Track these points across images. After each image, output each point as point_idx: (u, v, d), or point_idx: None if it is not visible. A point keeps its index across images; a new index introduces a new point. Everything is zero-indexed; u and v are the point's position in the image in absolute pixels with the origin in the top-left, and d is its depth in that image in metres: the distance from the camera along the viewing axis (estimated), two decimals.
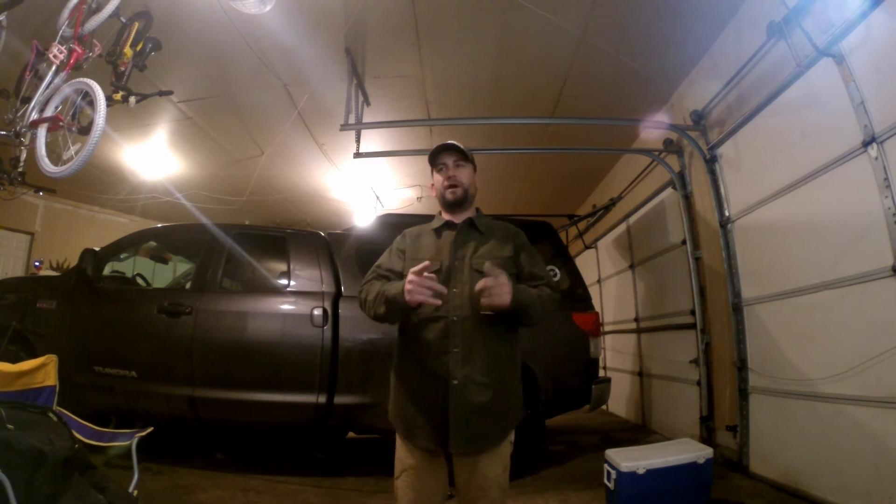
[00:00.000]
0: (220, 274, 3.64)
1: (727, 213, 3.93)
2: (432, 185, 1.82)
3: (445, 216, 1.76)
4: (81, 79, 2.81)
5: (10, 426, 1.71)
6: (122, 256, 4.09)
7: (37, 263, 7.33)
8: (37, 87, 3.01)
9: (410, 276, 1.44)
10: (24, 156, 3.22)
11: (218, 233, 3.76)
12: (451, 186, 1.71)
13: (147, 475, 2.99)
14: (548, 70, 4.49)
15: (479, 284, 1.45)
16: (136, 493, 2.00)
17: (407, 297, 1.44)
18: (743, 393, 3.63)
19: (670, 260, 4.93)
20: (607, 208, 6.40)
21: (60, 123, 2.79)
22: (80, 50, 2.90)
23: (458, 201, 1.71)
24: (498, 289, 1.43)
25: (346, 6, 3.73)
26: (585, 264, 6.81)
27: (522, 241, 1.75)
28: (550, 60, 4.34)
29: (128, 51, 3.00)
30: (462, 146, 1.74)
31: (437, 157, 1.76)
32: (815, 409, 2.92)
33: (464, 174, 1.73)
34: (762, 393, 3.47)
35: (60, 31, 2.96)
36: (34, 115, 2.95)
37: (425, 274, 1.44)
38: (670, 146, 4.71)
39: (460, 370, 1.53)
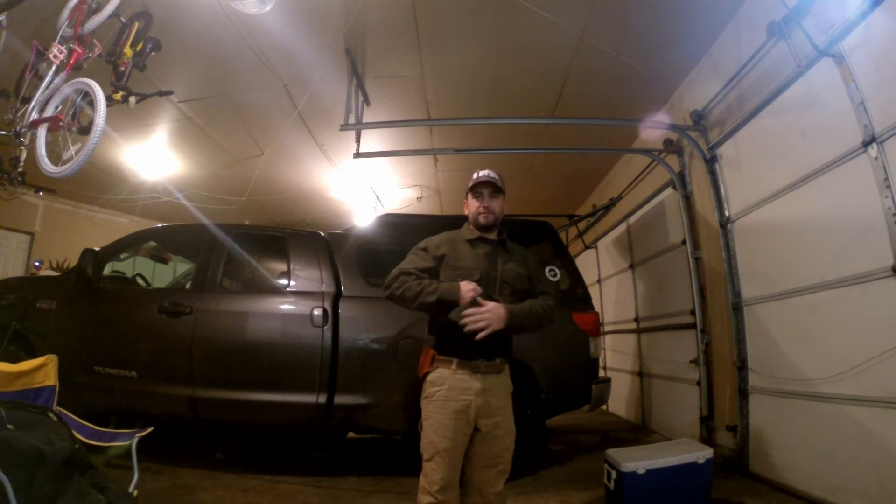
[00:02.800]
0: (220, 274, 3.64)
1: (727, 213, 3.93)
2: (465, 202, 2.14)
3: (475, 232, 2.08)
4: (81, 79, 2.81)
5: (10, 426, 1.70)
6: (122, 256, 4.09)
7: (37, 263, 7.33)
8: (37, 87, 3.01)
9: (472, 285, 1.89)
10: (24, 156, 3.22)
11: (218, 233, 3.76)
12: (485, 212, 2.05)
13: (147, 475, 2.98)
14: (548, 70, 4.49)
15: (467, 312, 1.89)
16: (136, 493, 2.00)
17: (463, 296, 1.87)
18: (743, 393, 3.63)
19: (670, 260, 4.93)
20: (607, 208, 6.40)
21: (60, 123, 2.79)
22: (80, 50, 2.90)
23: (490, 226, 2.07)
24: (481, 315, 1.87)
25: (346, 6, 3.73)
26: (585, 264, 6.80)
27: (535, 263, 2.20)
28: (550, 60, 4.34)
29: (128, 51, 3.00)
30: (498, 179, 2.07)
31: (476, 186, 2.07)
32: (815, 409, 2.92)
33: (496, 204, 2.07)
34: (762, 393, 3.47)
35: (60, 31, 2.95)
36: (34, 115, 2.95)
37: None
38: (670, 146, 4.71)
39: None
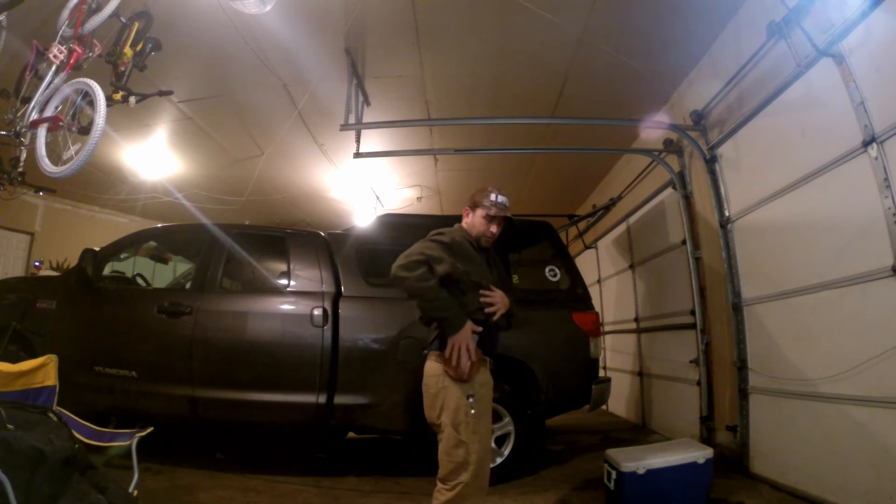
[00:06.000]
0: (220, 274, 3.63)
1: (727, 213, 3.93)
2: (467, 210, 2.25)
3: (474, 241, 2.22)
4: (81, 79, 2.81)
5: (10, 426, 1.70)
6: (122, 256, 4.08)
7: (37, 263, 7.33)
8: (37, 87, 3.00)
9: (471, 330, 1.99)
10: (24, 156, 3.22)
11: (218, 233, 3.76)
12: (490, 237, 2.21)
13: (147, 475, 2.99)
14: (548, 70, 4.49)
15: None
16: (136, 493, 2.00)
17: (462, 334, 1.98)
18: (743, 393, 3.63)
19: (670, 260, 4.93)
20: (607, 208, 6.40)
21: (60, 123, 2.78)
22: (80, 50, 2.90)
23: (487, 247, 2.25)
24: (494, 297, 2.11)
25: (346, 6, 3.73)
26: (585, 264, 6.81)
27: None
28: (550, 60, 4.34)
29: (128, 51, 3.00)
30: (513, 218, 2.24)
31: (495, 215, 2.18)
32: (815, 409, 2.92)
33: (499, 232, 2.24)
34: (762, 393, 3.47)
35: (60, 31, 2.95)
36: (34, 115, 2.94)
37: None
38: (670, 146, 4.71)
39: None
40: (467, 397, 1.94)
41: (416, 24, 3.93)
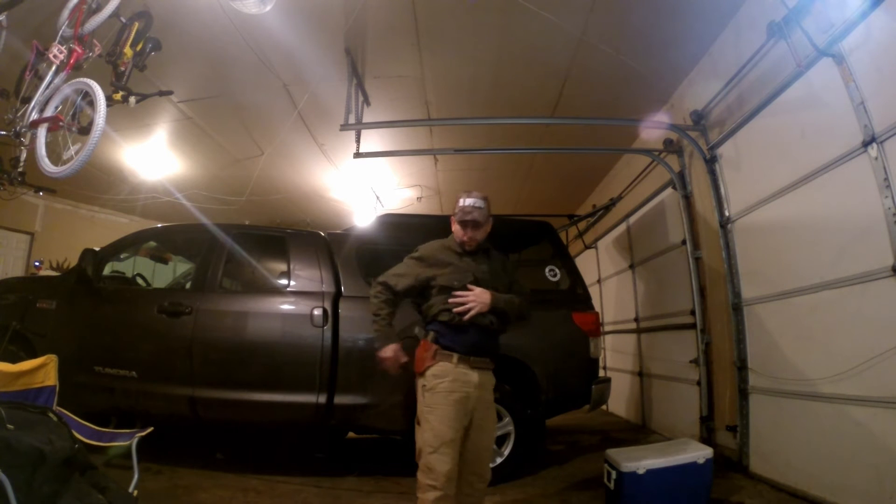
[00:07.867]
0: (219, 274, 3.63)
1: (727, 213, 3.93)
2: (453, 218, 2.31)
3: (462, 247, 2.29)
4: (81, 79, 2.81)
5: (10, 426, 1.70)
6: (122, 256, 4.08)
7: (37, 263, 7.32)
8: (37, 87, 3.01)
9: (391, 354, 2.19)
10: (24, 156, 3.22)
11: (218, 233, 3.76)
12: (469, 242, 2.25)
13: (147, 475, 2.98)
14: (548, 70, 4.49)
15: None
16: (136, 493, 2.00)
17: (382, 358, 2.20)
18: (743, 393, 3.63)
19: (670, 260, 4.93)
20: (607, 208, 6.40)
21: (60, 123, 2.79)
22: (80, 50, 2.90)
23: (474, 251, 2.29)
24: (466, 297, 2.14)
25: (346, 6, 3.73)
26: (585, 264, 6.81)
27: (512, 268, 2.47)
28: (550, 60, 4.34)
29: (128, 51, 3.00)
30: (483, 211, 2.24)
31: (461, 221, 2.24)
32: (816, 409, 2.92)
33: (479, 233, 2.27)
34: (762, 393, 3.47)
35: (60, 31, 2.96)
36: (34, 115, 2.95)
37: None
38: (670, 146, 4.71)
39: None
40: (422, 387, 2.12)
41: (416, 25, 3.93)
